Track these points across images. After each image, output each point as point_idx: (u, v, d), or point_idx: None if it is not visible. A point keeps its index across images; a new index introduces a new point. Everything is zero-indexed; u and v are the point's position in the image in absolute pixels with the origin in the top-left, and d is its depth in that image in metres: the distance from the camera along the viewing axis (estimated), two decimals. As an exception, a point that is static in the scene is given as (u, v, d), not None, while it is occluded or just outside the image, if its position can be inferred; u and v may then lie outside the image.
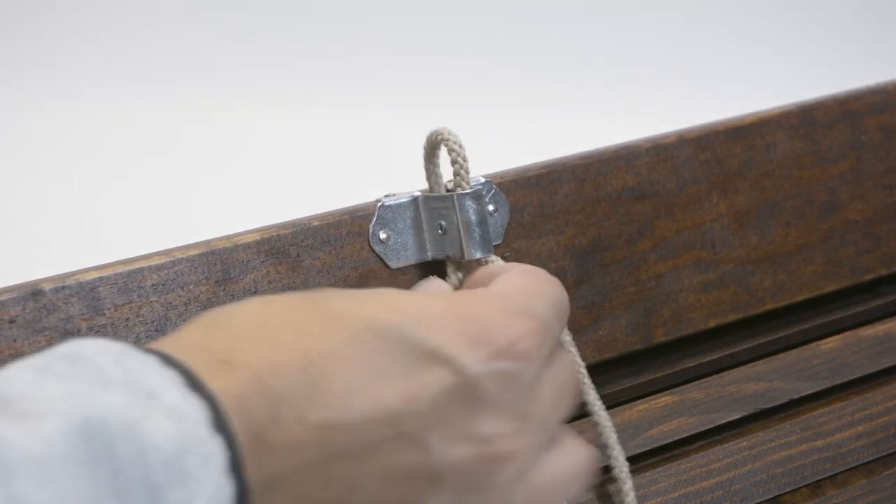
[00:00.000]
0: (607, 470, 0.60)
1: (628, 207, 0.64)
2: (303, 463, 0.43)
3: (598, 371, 0.65)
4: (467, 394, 0.45)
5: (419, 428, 0.44)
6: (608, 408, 0.64)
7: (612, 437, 0.59)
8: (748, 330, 0.70)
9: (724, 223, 0.67)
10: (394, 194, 0.59)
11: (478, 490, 0.46)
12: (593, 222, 0.63)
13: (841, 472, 0.65)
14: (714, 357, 0.68)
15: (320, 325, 0.44)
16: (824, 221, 0.71)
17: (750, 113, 0.68)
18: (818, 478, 0.64)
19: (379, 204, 0.59)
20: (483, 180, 0.61)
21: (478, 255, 0.58)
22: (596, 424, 0.59)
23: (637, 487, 0.60)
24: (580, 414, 0.63)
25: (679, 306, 0.67)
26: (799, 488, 0.63)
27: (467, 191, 0.57)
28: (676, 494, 0.61)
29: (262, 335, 0.43)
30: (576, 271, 0.63)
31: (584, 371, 0.59)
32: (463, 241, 0.58)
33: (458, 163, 0.57)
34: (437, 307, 0.46)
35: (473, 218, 0.57)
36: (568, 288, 0.62)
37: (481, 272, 0.56)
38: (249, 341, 0.43)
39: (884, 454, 0.66)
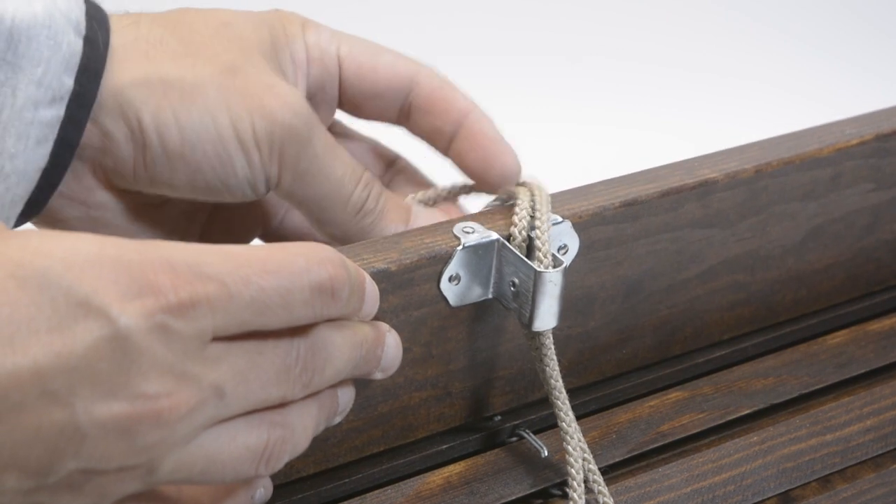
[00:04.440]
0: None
1: (689, 237, 0.63)
2: None
3: (612, 388, 0.66)
4: (120, 348, 0.42)
5: (67, 385, 0.41)
6: (619, 404, 0.65)
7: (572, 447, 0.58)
8: (758, 331, 0.70)
9: (769, 248, 0.67)
10: (472, 229, 0.57)
11: (123, 454, 0.43)
12: (652, 252, 0.63)
13: (850, 466, 0.65)
14: (723, 353, 0.68)
15: None
16: (859, 242, 0.71)
17: (829, 142, 0.66)
18: (828, 472, 0.64)
19: (459, 248, 0.56)
20: (560, 219, 0.59)
21: (546, 329, 0.57)
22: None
23: (650, 483, 0.61)
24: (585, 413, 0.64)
25: (703, 323, 0.67)
26: (809, 482, 0.63)
27: (551, 270, 0.55)
28: (689, 490, 0.61)
29: None
30: (621, 300, 0.63)
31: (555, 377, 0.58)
32: (535, 313, 0.56)
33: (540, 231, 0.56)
34: (89, 250, 0.43)
35: (552, 293, 0.56)
36: (608, 314, 0.63)
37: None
38: None
39: (892, 448, 0.66)
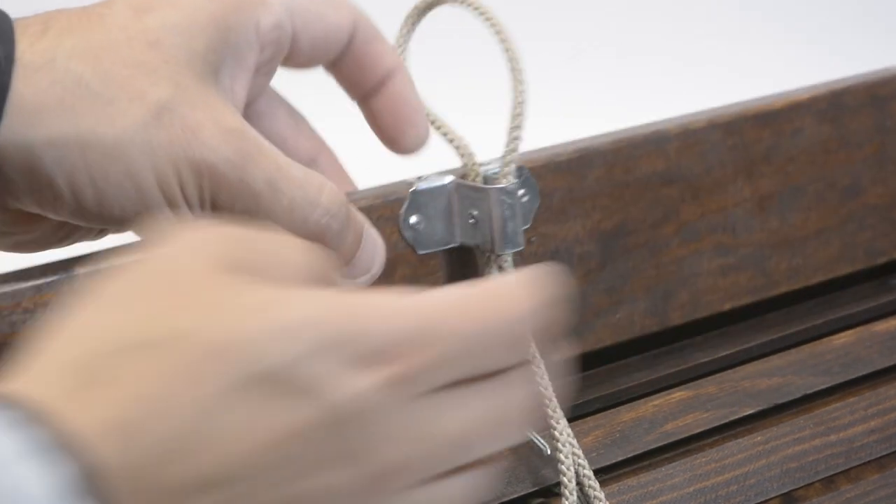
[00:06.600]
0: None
1: (655, 192, 0.65)
2: None
3: (613, 361, 0.66)
4: (339, 423, 0.40)
5: (295, 467, 0.39)
6: (622, 403, 0.64)
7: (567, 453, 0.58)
8: (762, 325, 0.70)
9: (746, 207, 0.67)
10: (426, 177, 0.59)
11: None
12: (620, 206, 0.64)
13: (854, 467, 0.65)
14: (728, 352, 0.68)
15: (191, 374, 0.39)
16: (844, 205, 0.71)
17: (779, 96, 0.68)
18: (831, 472, 0.64)
19: (412, 189, 0.58)
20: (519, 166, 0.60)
21: (509, 251, 0.58)
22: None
23: (653, 482, 0.61)
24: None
25: (697, 290, 0.67)
26: (812, 483, 0.64)
27: (504, 185, 0.57)
28: (692, 489, 0.61)
29: (153, 405, 0.39)
30: (599, 255, 0.64)
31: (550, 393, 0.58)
32: (495, 235, 0.57)
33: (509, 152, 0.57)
34: (307, 315, 0.40)
35: (508, 213, 0.57)
36: (591, 271, 0.63)
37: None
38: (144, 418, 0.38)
39: (897, 448, 0.66)
